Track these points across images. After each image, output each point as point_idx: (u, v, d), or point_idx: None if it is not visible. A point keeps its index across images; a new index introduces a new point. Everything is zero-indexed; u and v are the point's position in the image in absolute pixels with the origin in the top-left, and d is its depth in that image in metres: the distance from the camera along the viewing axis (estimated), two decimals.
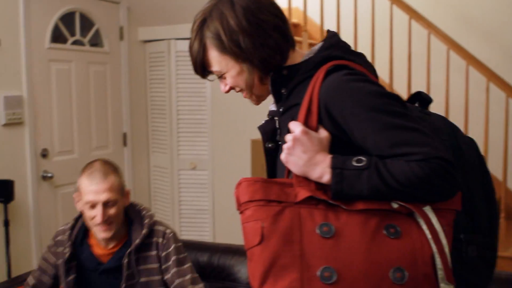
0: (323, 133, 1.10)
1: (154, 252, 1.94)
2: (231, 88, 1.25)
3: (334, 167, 1.04)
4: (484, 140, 3.35)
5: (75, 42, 3.68)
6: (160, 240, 1.95)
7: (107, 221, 1.87)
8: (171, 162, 4.09)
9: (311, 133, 1.09)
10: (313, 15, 4.21)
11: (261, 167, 3.03)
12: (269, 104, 1.30)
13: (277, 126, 1.25)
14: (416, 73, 3.68)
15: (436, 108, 1.28)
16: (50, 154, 3.47)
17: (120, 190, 1.94)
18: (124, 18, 4.06)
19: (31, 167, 3.30)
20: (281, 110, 1.22)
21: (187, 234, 4.02)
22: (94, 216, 1.87)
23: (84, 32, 3.77)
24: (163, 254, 1.94)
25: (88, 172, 1.91)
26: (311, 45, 3.72)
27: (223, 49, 1.17)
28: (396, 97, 1.09)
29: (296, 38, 3.69)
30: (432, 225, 1.02)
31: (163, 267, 1.94)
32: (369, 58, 1.24)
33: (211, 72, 1.25)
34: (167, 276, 1.93)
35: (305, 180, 1.07)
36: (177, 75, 4.01)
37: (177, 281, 1.91)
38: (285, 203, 1.04)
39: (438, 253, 1.01)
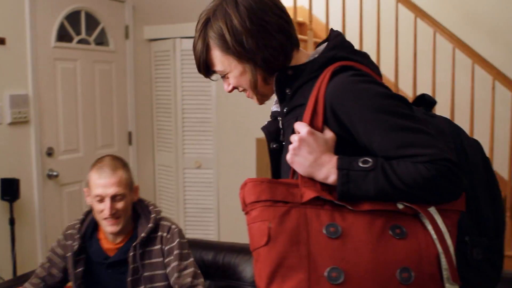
0: (329, 134, 1.10)
1: (158, 246, 1.96)
2: (234, 87, 1.25)
3: (340, 168, 1.04)
4: (490, 139, 3.34)
5: (80, 41, 3.69)
6: (165, 234, 1.97)
7: (114, 215, 1.90)
8: (176, 161, 4.10)
9: (317, 133, 1.08)
10: (319, 13, 4.20)
11: (266, 166, 3.03)
12: (272, 104, 1.31)
13: (281, 127, 1.25)
14: (421, 71, 3.67)
15: (441, 106, 1.28)
16: (55, 153, 3.48)
17: (129, 185, 1.96)
18: (129, 17, 4.07)
19: (37, 165, 3.31)
20: (285, 110, 1.22)
21: (192, 232, 4.03)
22: (102, 210, 1.90)
23: (89, 31, 3.77)
24: (166, 248, 1.95)
25: (97, 167, 1.94)
26: (316, 43, 3.71)
27: (227, 49, 1.17)
28: (402, 99, 1.09)
29: (302, 36, 3.69)
30: (437, 226, 1.02)
31: (166, 260, 1.95)
32: (374, 57, 1.24)
33: (214, 72, 1.25)
34: (168, 270, 1.94)
35: (310, 180, 1.07)
36: (183, 73, 4.01)
37: (176, 275, 1.92)
38: (291, 204, 1.04)
39: (443, 253, 1.01)
